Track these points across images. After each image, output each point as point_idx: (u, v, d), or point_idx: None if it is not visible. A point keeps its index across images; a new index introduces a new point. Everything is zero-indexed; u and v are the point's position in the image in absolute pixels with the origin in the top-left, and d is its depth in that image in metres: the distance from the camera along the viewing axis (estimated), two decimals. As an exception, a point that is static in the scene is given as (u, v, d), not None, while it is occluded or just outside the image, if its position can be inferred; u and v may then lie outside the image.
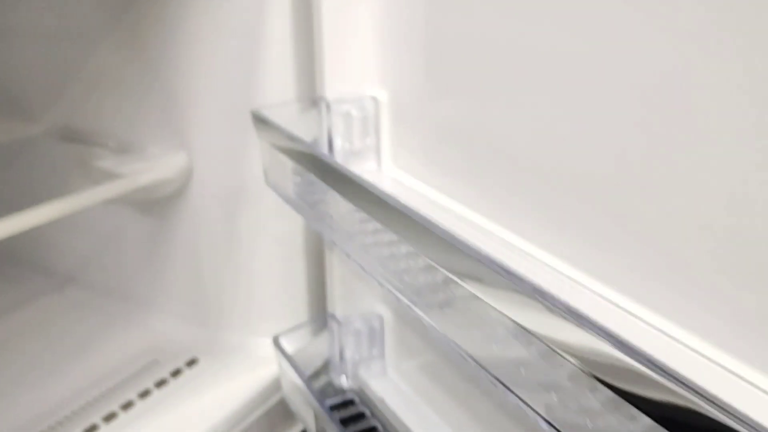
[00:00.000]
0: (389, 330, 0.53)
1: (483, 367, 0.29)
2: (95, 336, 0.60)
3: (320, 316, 0.57)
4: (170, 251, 0.59)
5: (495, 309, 0.27)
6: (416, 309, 0.34)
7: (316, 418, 0.50)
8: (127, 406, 0.50)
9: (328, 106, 0.44)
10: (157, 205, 0.58)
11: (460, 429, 0.45)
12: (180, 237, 0.58)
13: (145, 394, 0.51)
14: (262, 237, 0.55)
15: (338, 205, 0.40)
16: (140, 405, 0.50)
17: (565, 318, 0.23)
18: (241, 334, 0.58)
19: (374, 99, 0.46)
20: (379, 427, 0.49)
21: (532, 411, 0.26)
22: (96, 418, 0.48)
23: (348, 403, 0.52)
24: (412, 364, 0.52)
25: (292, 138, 0.42)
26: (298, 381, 0.50)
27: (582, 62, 0.29)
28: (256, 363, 0.56)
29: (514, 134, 0.34)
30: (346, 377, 0.55)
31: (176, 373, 0.54)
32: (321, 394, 0.51)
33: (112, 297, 0.65)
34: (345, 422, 0.49)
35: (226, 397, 0.51)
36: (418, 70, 0.41)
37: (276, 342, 0.52)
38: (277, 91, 0.50)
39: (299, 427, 0.56)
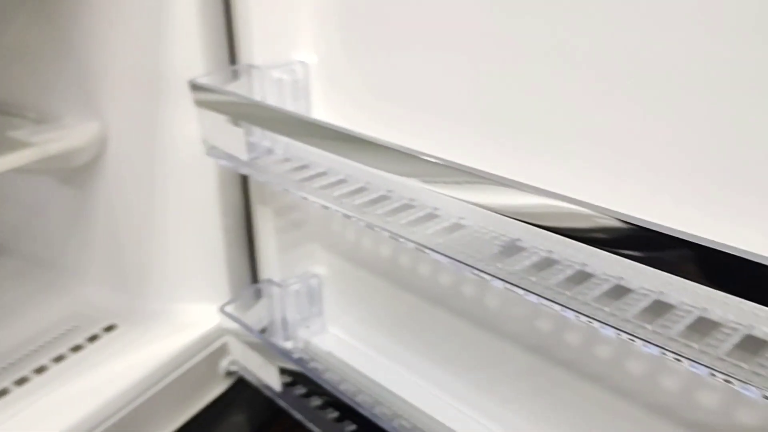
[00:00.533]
0: (327, 288, 0.55)
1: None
2: (21, 303, 0.61)
3: (242, 289, 0.58)
4: (91, 220, 0.60)
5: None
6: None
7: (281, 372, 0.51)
8: (41, 370, 0.51)
9: (260, 73, 0.45)
10: (76, 174, 0.58)
11: (405, 364, 0.50)
12: (100, 205, 0.59)
13: (59, 359, 0.53)
14: (177, 205, 0.56)
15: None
16: (54, 369, 0.51)
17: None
18: (161, 301, 0.59)
19: (303, 63, 0.47)
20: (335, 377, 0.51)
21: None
22: (7, 382, 0.50)
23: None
24: (351, 316, 0.55)
25: (242, 98, 0.43)
26: (256, 339, 0.51)
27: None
28: (174, 329, 0.57)
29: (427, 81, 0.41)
30: (289, 339, 0.57)
31: (93, 338, 0.55)
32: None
33: (41, 266, 0.66)
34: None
35: (139, 362, 0.53)
36: (343, 32, 0.43)
37: (223, 310, 0.53)
38: (186, 59, 0.51)
39: (213, 395, 0.58)
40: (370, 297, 0.53)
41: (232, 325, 0.53)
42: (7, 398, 0.48)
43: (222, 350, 0.58)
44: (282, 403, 0.51)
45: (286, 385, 0.50)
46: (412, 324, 0.50)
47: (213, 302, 0.58)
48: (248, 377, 0.55)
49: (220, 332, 0.58)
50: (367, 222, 0.38)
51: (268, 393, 0.53)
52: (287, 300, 0.53)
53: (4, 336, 0.56)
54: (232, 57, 0.52)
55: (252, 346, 0.52)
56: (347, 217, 0.40)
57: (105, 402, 0.49)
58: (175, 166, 0.54)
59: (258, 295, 0.56)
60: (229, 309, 0.54)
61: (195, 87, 0.46)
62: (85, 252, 0.62)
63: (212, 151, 0.48)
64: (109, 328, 0.57)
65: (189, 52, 0.51)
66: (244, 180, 0.56)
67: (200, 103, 0.47)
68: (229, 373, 0.59)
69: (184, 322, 0.58)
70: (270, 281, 0.54)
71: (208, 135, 0.48)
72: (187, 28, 0.50)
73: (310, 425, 0.49)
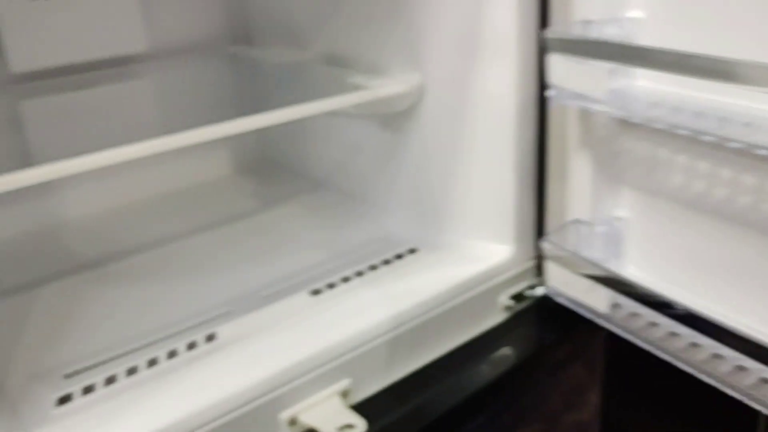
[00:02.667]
0: (633, 230, 0.59)
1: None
2: (338, 227, 0.74)
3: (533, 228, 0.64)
4: (402, 160, 0.70)
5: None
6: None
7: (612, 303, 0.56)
8: (359, 274, 0.62)
9: (598, 28, 0.51)
10: (394, 119, 0.69)
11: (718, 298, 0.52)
12: (411, 148, 0.69)
13: (373, 267, 0.63)
14: (479, 148, 0.63)
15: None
16: (369, 275, 0.62)
17: None
18: (455, 236, 0.67)
19: (633, 20, 0.52)
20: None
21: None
22: (320, 284, 0.61)
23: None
24: (657, 260, 0.58)
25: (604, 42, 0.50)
26: (592, 269, 0.57)
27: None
28: (466, 259, 0.65)
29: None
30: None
31: (399, 256, 0.65)
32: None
33: (354, 199, 0.79)
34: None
35: (439, 279, 0.61)
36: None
37: (548, 239, 0.60)
38: (503, 18, 0.58)
39: (489, 324, 0.65)
40: (680, 236, 0.55)
41: (557, 252, 0.59)
42: (324, 295, 0.60)
43: (502, 285, 0.65)
44: (609, 325, 0.57)
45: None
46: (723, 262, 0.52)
47: (499, 242, 0.65)
48: (567, 303, 0.61)
49: (502, 268, 0.64)
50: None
51: (589, 315, 0.58)
52: (593, 240, 0.58)
53: (322, 252, 0.68)
54: (543, 18, 0.58)
55: (575, 271, 0.57)
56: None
57: (399, 311, 0.57)
58: (482, 114, 0.62)
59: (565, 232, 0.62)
60: (551, 239, 0.60)
61: (553, 40, 0.52)
62: (393, 189, 0.73)
63: (562, 93, 0.54)
64: (412, 251, 0.66)
65: (505, 12, 0.57)
66: (542, 126, 0.61)
67: (556, 53, 0.53)
68: (506, 308, 0.66)
69: (473, 255, 0.65)
70: (578, 221, 0.59)
71: (559, 79, 0.53)
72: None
73: (643, 344, 0.53)
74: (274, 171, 0.90)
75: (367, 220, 0.74)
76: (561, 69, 0.52)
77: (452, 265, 0.64)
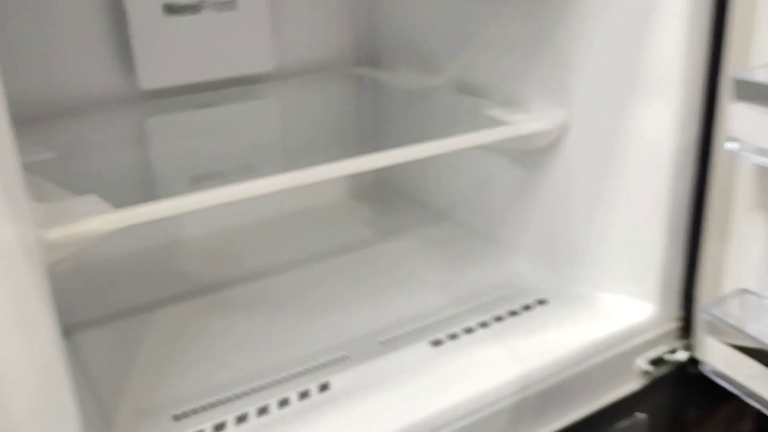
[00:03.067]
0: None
1: None
2: (460, 266, 0.69)
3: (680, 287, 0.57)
4: (534, 200, 0.65)
5: None
6: None
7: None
8: (483, 325, 0.57)
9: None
10: (529, 156, 0.63)
11: None
12: (545, 187, 0.63)
13: (498, 318, 0.58)
14: (625, 199, 0.57)
15: None
16: (494, 327, 0.57)
17: None
18: (590, 287, 0.61)
19: None
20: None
21: None
22: (457, 328, 0.57)
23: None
24: None
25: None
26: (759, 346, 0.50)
27: None
28: (601, 315, 0.58)
29: None
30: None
31: (527, 307, 0.60)
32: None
33: (477, 235, 0.74)
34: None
35: (571, 337, 0.55)
36: None
37: (708, 311, 0.53)
38: (666, 57, 0.51)
39: (624, 391, 0.58)
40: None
41: (718, 325, 0.52)
42: (445, 346, 0.55)
43: (641, 347, 0.58)
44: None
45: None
46: None
47: (640, 298, 0.58)
48: (726, 385, 0.53)
49: (642, 328, 0.58)
50: None
51: (751, 401, 0.51)
52: (763, 314, 0.51)
53: (443, 294, 0.63)
54: (714, 59, 0.51)
55: (738, 348, 0.51)
56: None
57: (527, 371, 0.52)
58: (632, 158, 0.55)
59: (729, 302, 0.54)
60: (713, 310, 0.53)
61: (740, 83, 0.45)
62: (523, 229, 0.67)
63: (746, 147, 0.47)
64: (541, 302, 0.61)
65: (670, 50, 0.51)
66: (701, 176, 0.54)
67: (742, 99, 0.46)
68: (644, 373, 0.59)
69: (609, 311, 0.59)
70: (745, 291, 0.52)
71: (745, 131, 0.47)
72: (673, 28, 0.50)
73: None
74: (391, 198, 0.86)
75: (491, 261, 0.69)
76: (748, 120, 0.45)
77: (586, 321, 0.58)
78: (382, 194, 0.89)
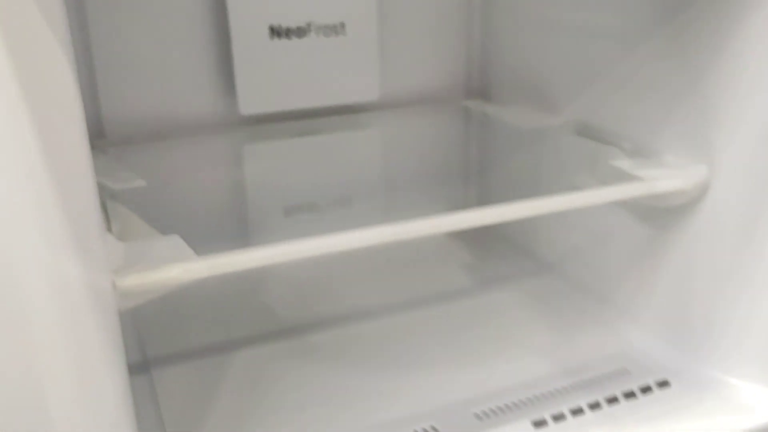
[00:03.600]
0: None
1: None
2: (568, 329, 0.62)
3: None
4: (660, 263, 0.57)
5: None
6: None
7: None
8: (594, 407, 0.50)
9: None
10: (659, 213, 0.56)
11: None
12: (674, 250, 0.55)
13: (611, 400, 0.51)
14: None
15: None
16: (606, 410, 0.50)
17: None
18: (723, 371, 0.53)
19: None
20: None
21: None
22: (564, 407, 0.50)
23: None
24: None
25: None
26: None
27: None
28: (736, 406, 0.50)
29: None
30: None
31: (646, 389, 0.52)
32: None
33: (589, 294, 0.66)
34: None
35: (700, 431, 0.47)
36: None
37: None
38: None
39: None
40: None
41: None
42: (549, 429, 0.48)
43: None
44: None
45: None
46: None
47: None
48: None
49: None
50: None
51: None
52: None
53: (547, 362, 0.56)
54: None
55: None
56: None
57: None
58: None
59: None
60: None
61: None
62: (643, 294, 0.59)
63: None
64: (662, 384, 0.53)
65: None
66: None
67: None
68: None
69: (745, 402, 0.50)
70: None
71: None
72: None
73: None
74: (492, 241, 0.80)
75: (604, 327, 0.61)
76: None
77: (718, 413, 0.50)
78: (482, 235, 0.83)
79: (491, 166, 0.79)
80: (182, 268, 0.38)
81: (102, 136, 0.65)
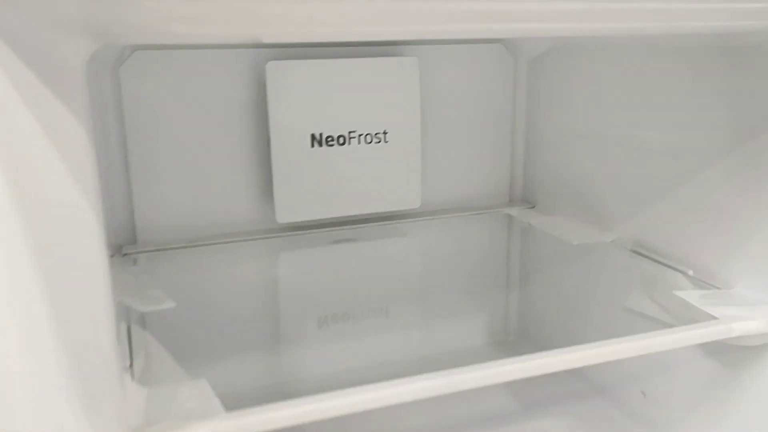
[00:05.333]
0: None
1: None
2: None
3: None
4: (734, 402, 0.52)
5: None
6: None
7: None
8: None
9: None
10: (727, 347, 0.51)
11: None
12: (749, 391, 0.50)
13: None
14: None
15: None
16: None
17: None
18: None
19: None
20: None
21: None
22: None
23: None
24: None
25: None
26: None
27: None
28: None
29: None
30: None
31: None
32: None
33: (644, 424, 0.61)
34: None
35: None
36: None
37: None
38: None
39: None
40: None
41: None
42: None
43: None
44: None
45: None
46: None
47: None
48: None
49: None
50: None
51: None
52: None
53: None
54: None
55: None
56: None
57: None
58: None
59: None
60: None
61: None
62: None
63: None
64: None
65: None
66: None
67: None
68: None
69: None
70: None
71: None
72: None
73: None
74: (534, 349, 0.75)
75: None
76: None
77: None
78: (524, 346, 0.78)
79: (535, 278, 0.75)
80: (209, 428, 0.34)
81: (134, 243, 0.63)
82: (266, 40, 0.32)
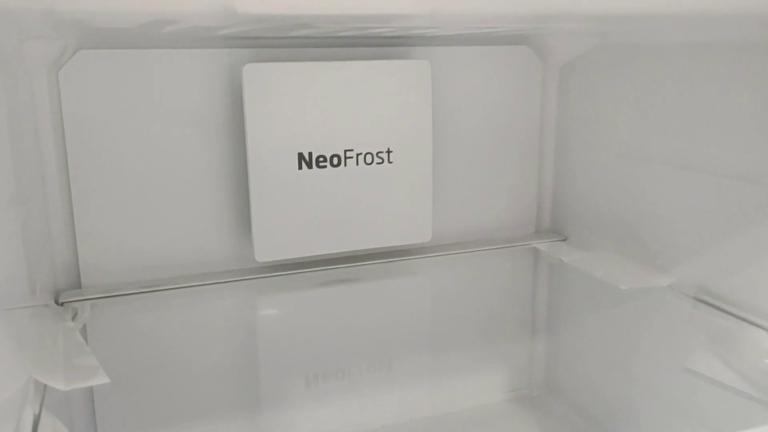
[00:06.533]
0: None
1: None
2: None
3: None
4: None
5: None
6: None
7: None
8: None
9: None
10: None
11: None
12: None
13: None
14: None
15: None
16: None
17: None
18: None
19: None
20: None
21: None
22: None
23: None
24: None
25: None
26: None
27: None
28: None
29: None
30: None
31: None
32: None
33: None
34: None
35: None
36: None
37: None
38: None
39: None
40: None
41: None
42: None
43: None
44: None
45: None
46: None
47: None
48: None
49: None
50: None
51: None
52: None
53: None
54: None
55: None
56: None
57: None
58: None
59: None
60: None
61: None
62: None
63: None
64: None
65: None
66: None
67: None
68: None
69: None
70: None
71: None
72: None
73: None
74: (563, 408, 0.63)
75: None
76: None
77: None
78: (551, 402, 0.66)
79: (567, 325, 0.63)
80: None
81: (77, 287, 0.51)
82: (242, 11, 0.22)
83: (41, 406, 0.36)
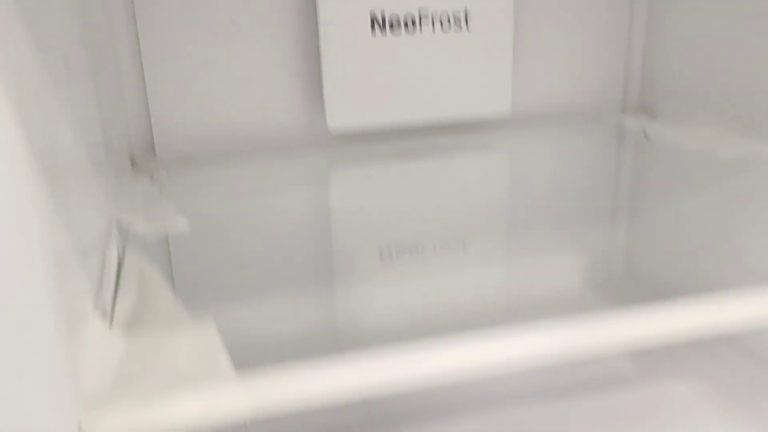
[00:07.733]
0: None
1: None
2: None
3: None
4: None
5: None
6: None
7: None
8: None
9: None
10: None
11: None
12: None
13: None
14: None
15: None
16: None
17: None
18: None
19: None
20: None
21: None
22: None
23: None
24: None
25: None
26: None
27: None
28: None
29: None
30: None
31: None
32: None
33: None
34: None
35: None
36: None
37: None
38: None
39: None
40: None
41: None
42: None
43: None
44: None
45: None
46: None
47: None
48: None
49: None
50: None
51: None
52: None
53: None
54: None
55: None
56: None
57: None
58: None
59: None
60: None
61: None
62: None
63: None
64: None
65: None
66: None
67: None
68: None
69: None
70: None
71: None
72: None
73: None
74: (648, 294, 0.60)
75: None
76: None
77: None
78: (635, 287, 0.63)
79: (654, 205, 0.60)
80: (203, 402, 0.21)
81: (152, 155, 0.51)
82: None
83: (124, 247, 0.36)
